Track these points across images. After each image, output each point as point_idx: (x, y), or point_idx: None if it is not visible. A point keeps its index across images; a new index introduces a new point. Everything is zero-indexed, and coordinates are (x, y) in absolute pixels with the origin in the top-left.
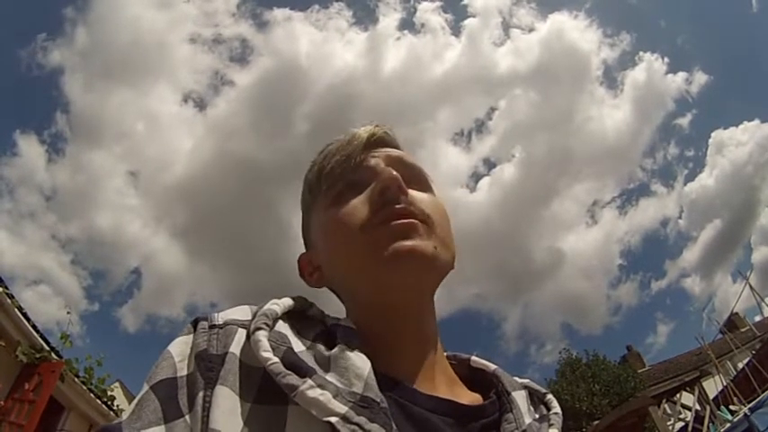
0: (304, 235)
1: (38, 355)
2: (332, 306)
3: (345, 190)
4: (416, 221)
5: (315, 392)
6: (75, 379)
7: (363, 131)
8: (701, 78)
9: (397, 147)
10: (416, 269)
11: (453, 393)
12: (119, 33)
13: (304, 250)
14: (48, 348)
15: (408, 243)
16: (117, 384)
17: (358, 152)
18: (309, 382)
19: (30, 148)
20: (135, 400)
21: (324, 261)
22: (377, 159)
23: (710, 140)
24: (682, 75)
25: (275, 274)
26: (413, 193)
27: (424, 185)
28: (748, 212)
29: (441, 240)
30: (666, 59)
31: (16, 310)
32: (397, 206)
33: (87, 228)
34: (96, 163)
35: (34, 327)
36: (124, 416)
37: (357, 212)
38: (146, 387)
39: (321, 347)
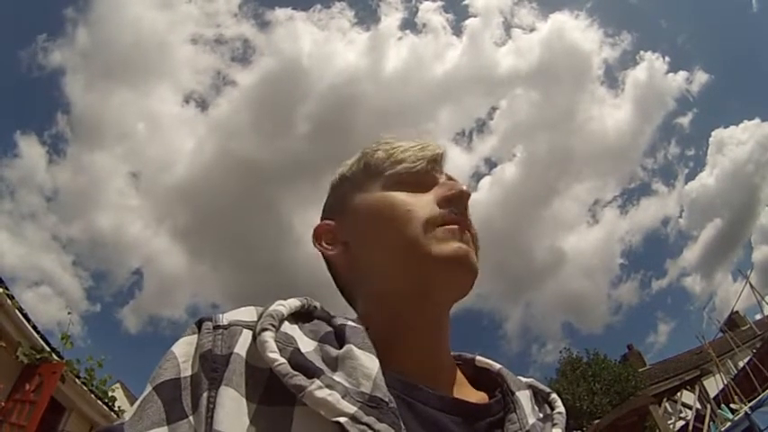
0: (334, 204)
1: (38, 356)
2: (337, 301)
3: (414, 181)
4: (471, 238)
5: (323, 393)
6: (76, 380)
7: (435, 146)
8: (701, 77)
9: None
10: (463, 274)
11: (460, 392)
12: (120, 34)
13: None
14: (48, 349)
15: (466, 247)
16: (118, 385)
17: (429, 159)
18: (317, 382)
19: (30, 149)
20: (138, 401)
21: (358, 239)
22: (444, 174)
23: (711, 139)
24: (682, 74)
25: (277, 274)
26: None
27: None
28: (749, 211)
29: (477, 260)
30: (667, 59)
31: (17, 311)
32: (464, 215)
33: (88, 229)
34: (97, 164)
35: (35, 328)
36: (127, 416)
37: (425, 205)
38: (149, 388)
39: (328, 348)
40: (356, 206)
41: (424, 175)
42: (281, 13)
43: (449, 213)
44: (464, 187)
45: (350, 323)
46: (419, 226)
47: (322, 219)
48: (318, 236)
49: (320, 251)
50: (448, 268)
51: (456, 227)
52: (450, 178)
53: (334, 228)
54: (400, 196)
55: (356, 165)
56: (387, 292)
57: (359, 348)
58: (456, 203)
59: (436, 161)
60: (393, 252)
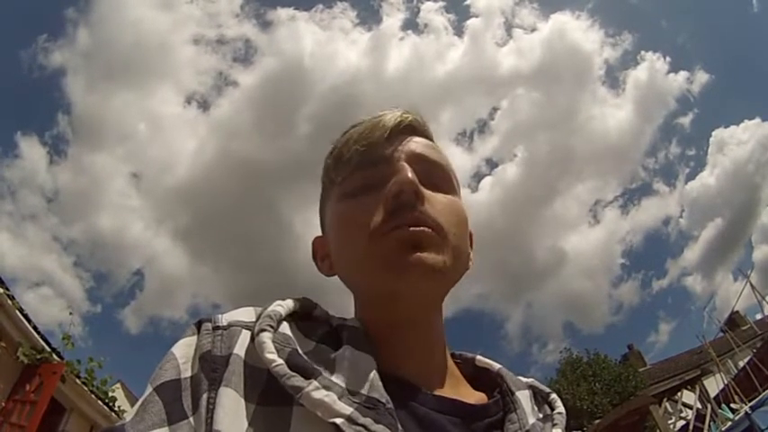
0: (320, 217)
1: (39, 357)
2: (337, 301)
3: (361, 185)
4: (429, 230)
5: (320, 394)
6: (77, 380)
7: (390, 118)
8: (702, 77)
9: (426, 134)
10: (424, 282)
11: (458, 393)
12: (121, 34)
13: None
14: (49, 349)
15: (417, 255)
16: (118, 385)
17: (381, 142)
18: (315, 383)
19: (31, 150)
20: (138, 402)
21: (333, 254)
22: (398, 154)
23: (711, 139)
24: (683, 74)
25: (278, 274)
26: (430, 196)
27: (446, 184)
28: (749, 211)
29: (453, 250)
30: (668, 59)
31: (17, 311)
32: (411, 213)
33: (89, 230)
34: (98, 164)
35: (35, 328)
36: (127, 417)
37: (369, 214)
38: (149, 389)
39: (326, 348)
40: (326, 221)
41: (375, 167)
42: (282, 12)
43: (393, 216)
44: (407, 176)
45: (348, 324)
46: (364, 241)
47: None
48: (314, 252)
49: (317, 267)
50: (402, 282)
51: (405, 231)
52: (409, 155)
53: (324, 241)
54: (348, 208)
55: (323, 172)
56: (366, 300)
57: (356, 349)
58: (403, 198)
59: (398, 134)
60: (351, 268)
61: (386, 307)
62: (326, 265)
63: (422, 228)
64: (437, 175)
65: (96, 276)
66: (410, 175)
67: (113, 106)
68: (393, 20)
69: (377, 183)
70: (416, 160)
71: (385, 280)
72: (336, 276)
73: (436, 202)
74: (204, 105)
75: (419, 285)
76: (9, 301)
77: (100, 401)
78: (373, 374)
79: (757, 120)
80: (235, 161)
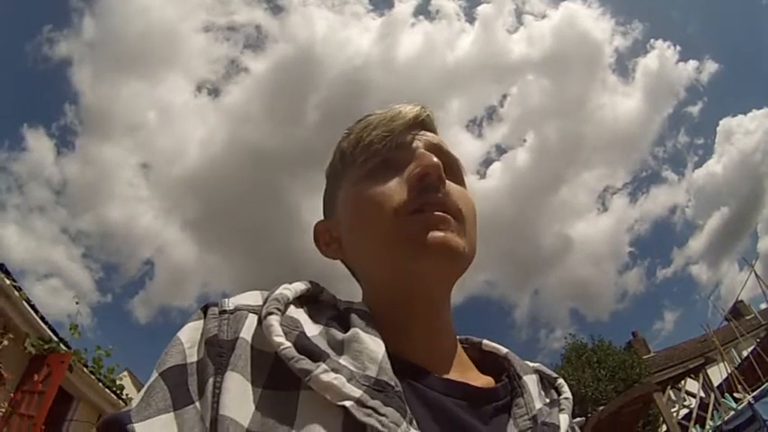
0: (326, 202)
1: (46, 347)
2: (342, 286)
3: (382, 167)
4: (450, 216)
5: (329, 376)
6: (84, 369)
7: (409, 110)
8: (711, 67)
9: (435, 132)
10: (445, 262)
11: (466, 377)
12: (128, 23)
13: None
14: (56, 339)
15: (442, 236)
16: (126, 374)
17: (401, 130)
18: (323, 366)
19: (38, 143)
20: (144, 388)
21: (345, 235)
22: (418, 142)
23: (719, 128)
24: (693, 63)
25: (287, 262)
26: (449, 184)
27: (458, 176)
28: (755, 200)
29: (469, 237)
30: (678, 48)
31: (24, 302)
32: (435, 195)
33: (98, 221)
34: (107, 155)
35: (42, 318)
36: (133, 403)
37: (393, 194)
38: (155, 374)
39: (334, 331)
40: (339, 203)
41: (396, 151)
42: None
43: (419, 196)
44: (433, 160)
45: (355, 307)
46: (389, 219)
47: (323, 217)
48: (316, 237)
49: (320, 251)
50: (425, 260)
51: (431, 212)
52: (427, 145)
53: (330, 226)
54: (369, 188)
55: (335, 157)
56: (379, 283)
57: (364, 332)
58: (428, 181)
59: (413, 127)
60: (371, 248)
61: (402, 285)
62: (333, 249)
63: (444, 212)
64: (451, 166)
65: (106, 267)
66: (435, 159)
67: (121, 96)
68: (405, 5)
69: (398, 166)
70: (435, 150)
71: (409, 257)
72: (340, 262)
73: (454, 189)
74: (215, 93)
75: (441, 265)
76: (16, 293)
77: (107, 390)
78: (382, 357)
79: (765, 109)
80: (244, 150)
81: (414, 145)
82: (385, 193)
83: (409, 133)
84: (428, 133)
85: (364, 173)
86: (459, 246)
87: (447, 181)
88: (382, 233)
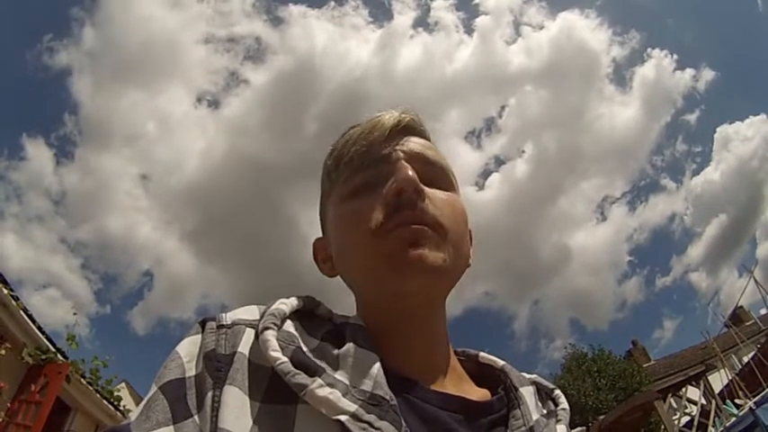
0: (321, 220)
1: (44, 357)
2: (341, 300)
3: (362, 185)
4: (428, 229)
5: (324, 391)
6: (82, 380)
7: (388, 118)
8: (708, 75)
9: (423, 134)
10: (424, 278)
11: (462, 390)
12: (129, 33)
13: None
14: (53, 350)
15: (417, 252)
16: (123, 385)
17: (380, 142)
18: (319, 380)
19: (37, 152)
20: (143, 401)
21: (334, 254)
22: (398, 153)
23: (716, 135)
24: (689, 71)
25: (286, 274)
26: (431, 193)
27: (445, 182)
28: (754, 207)
29: (453, 247)
30: (675, 56)
31: (22, 312)
32: (411, 211)
33: (97, 231)
34: (106, 166)
35: (40, 328)
36: (132, 416)
37: (371, 214)
38: (154, 388)
39: (330, 346)
40: (327, 222)
41: (376, 166)
42: (294, 9)
43: (395, 213)
44: (407, 174)
45: (351, 322)
46: (366, 239)
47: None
48: (315, 254)
49: (318, 268)
50: (404, 279)
51: (406, 229)
52: (408, 154)
53: (326, 243)
54: (350, 209)
55: (323, 174)
56: (368, 301)
57: (359, 347)
58: (404, 197)
59: (396, 135)
60: (356, 273)
61: (388, 304)
62: (328, 266)
63: (422, 226)
64: (436, 174)
65: (104, 278)
66: (410, 173)
67: (121, 106)
68: (405, 17)
69: (377, 182)
70: (416, 159)
71: (388, 278)
72: (339, 277)
73: (436, 199)
74: (215, 104)
75: (420, 283)
76: (13, 302)
77: (105, 401)
78: (377, 371)
79: (762, 116)
80: (243, 161)
81: (394, 156)
82: (362, 213)
83: (389, 144)
84: (412, 139)
85: (347, 192)
86: (438, 260)
87: (430, 189)
88: (362, 254)
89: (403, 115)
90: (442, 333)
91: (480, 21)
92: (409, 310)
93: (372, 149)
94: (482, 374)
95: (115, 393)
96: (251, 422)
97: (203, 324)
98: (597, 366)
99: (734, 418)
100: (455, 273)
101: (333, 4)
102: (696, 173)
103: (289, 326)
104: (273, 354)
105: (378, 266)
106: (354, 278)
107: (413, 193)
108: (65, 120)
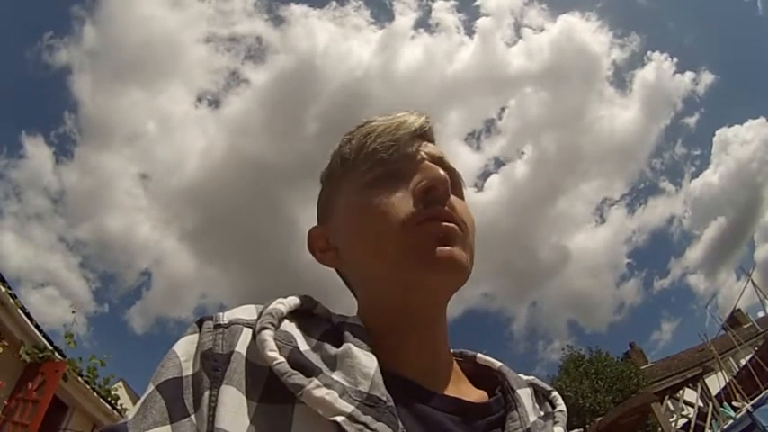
0: (321, 208)
1: (41, 355)
2: (340, 300)
3: (386, 176)
4: (457, 228)
5: (321, 392)
6: (79, 378)
7: (414, 120)
8: (707, 78)
9: (435, 143)
10: (449, 276)
11: (459, 391)
12: (129, 32)
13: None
14: (51, 348)
15: (448, 249)
16: (120, 384)
17: (406, 140)
18: (316, 381)
19: (37, 150)
20: (140, 400)
21: (344, 244)
22: (423, 154)
23: (715, 138)
24: (689, 74)
25: (285, 274)
26: (452, 197)
27: (459, 190)
28: (752, 210)
29: (470, 251)
30: (675, 59)
31: (19, 310)
32: (442, 208)
33: (96, 230)
34: (106, 165)
35: (37, 326)
36: (129, 415)
37: (399, 204)
38: (151, 387)
39: (327, 346)
40: (339, 210)
41: (402, 161)
42: (296, 9)
43: (426, 209)
44: (440, 173)
45: (349, 321)
46: (395, 230)
47: (318, 222)
48: (311, 243)
49: (315, 258)
50: (432, 274)
51: (438, 225)
52: (432, 157)
53: (326, 231)
54: (375, 198)
55: (334, 161)
56: (377, 295)
57: (357, 347)
58: (435, 194)
59: (417, 137)
60: (375, 259)
61: (402, 297)
62: (330, 256)
63: (452, 224)
64: (453, 181)
65: (103, 277)
66: (442, 172)
67: (121, 105)
68: (406, 18)
69: (399, 177)
70: (439, 163)
71: (412, 270)
72: (335, 272)
73: (457, 203)
74: (215, 104)
75: (445, 279)
76: (11, 300)
77: (102, 400)
78: (374, 372)
79: (761, 119)
80: (243, 161)
81: (419, 156)
82: (391, 204)
83: (413, 144)
84: (430, 145)
85: (368, 181)
86: (464, 259)
87: (451, 195)
88: (388, 244)
89: (426, 121)
90: (443, 335)
91: (481, 22)
92: (422, 304)
93: (398, 145)
94: (479, 375)
95: (112, 392)
96: (248, 422)
97: (200, 323)
98: (595, 368)
99: (731, 421)
100: (469, 274)
101: (334, 4)
102: (695, 176)
103: (286, 326)
104: (270, 354)
105: (404, 258)
106: (369, 268)
107: (444, 192)
108: (65, 118)
